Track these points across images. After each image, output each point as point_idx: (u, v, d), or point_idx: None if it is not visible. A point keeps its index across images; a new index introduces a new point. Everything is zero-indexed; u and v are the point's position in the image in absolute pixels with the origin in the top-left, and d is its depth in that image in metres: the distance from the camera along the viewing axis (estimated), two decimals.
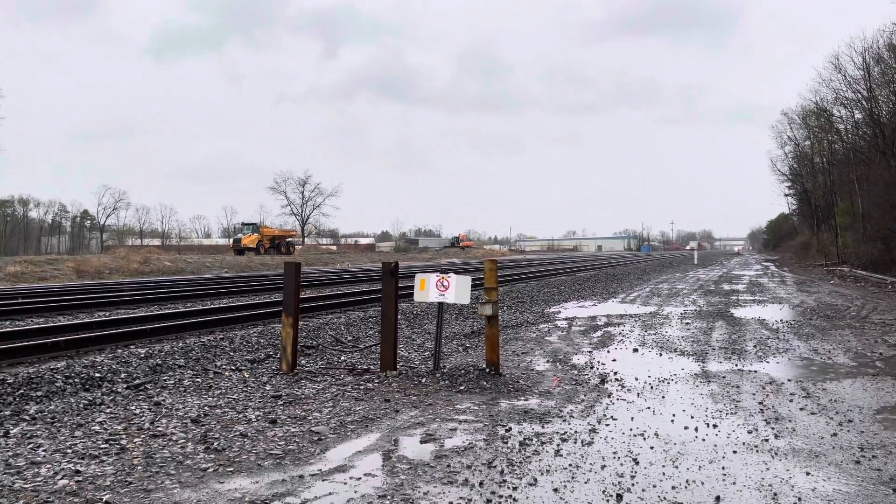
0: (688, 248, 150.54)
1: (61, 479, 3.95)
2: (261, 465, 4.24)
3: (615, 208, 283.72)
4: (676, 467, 4.21)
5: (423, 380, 6.79)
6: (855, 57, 33.76)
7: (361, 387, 6.52)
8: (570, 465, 4.24)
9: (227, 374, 7.24)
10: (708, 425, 5.19)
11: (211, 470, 4.14)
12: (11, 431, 4.98)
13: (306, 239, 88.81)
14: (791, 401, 6.00)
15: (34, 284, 22.91)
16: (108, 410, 5.64)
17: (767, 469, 4.17)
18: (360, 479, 3.99)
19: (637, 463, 4.28)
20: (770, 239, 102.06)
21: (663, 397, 6.18)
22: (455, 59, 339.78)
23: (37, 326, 10.13)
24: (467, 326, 11.34)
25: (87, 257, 38.11)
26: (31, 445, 4.62)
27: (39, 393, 6.20)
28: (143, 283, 23.15)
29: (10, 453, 4.44)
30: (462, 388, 6.48)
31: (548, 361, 8.05)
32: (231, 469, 4.17)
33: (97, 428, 5.06)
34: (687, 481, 3.95)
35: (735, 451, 4.53)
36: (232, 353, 8.45)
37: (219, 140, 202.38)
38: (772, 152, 78.56)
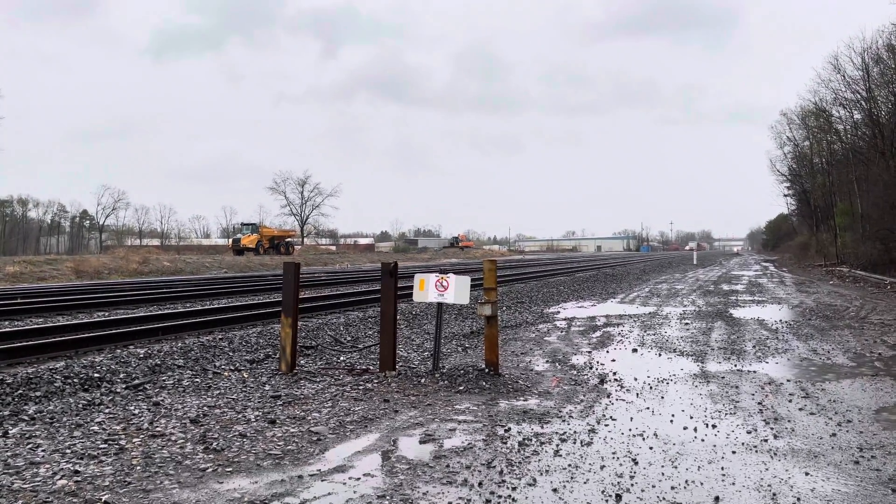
0: (687, 248, 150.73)
1: (60, 479, 3.95)
2: (260, 466, 4.24)
3: (614, 208, 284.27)
4: (675, 467, 4.21)
5: (423, 380, 6.79)
6: (854, 57, 33.84)
7: (360, 387, 6.52)
8: (570, 465, 4.24)
9: (226, 374, 7.23)
10: (707, 425, 5.19)
11: (210, 470, 4.14)
12: (10, 432, 4.97)
13: (305, 239, 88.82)
14: (790, 401, 6.00)
15: (33, 284, 22.89)
16: (106, 411, 5.63)
17: (766, 469, 4.17)
18: (359, 479, 3.99)
19: (636, 463, 4.28)
20: (769, 239, 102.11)
21: (662, 398, 6.18)
22: (454, 60, 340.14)
23: (36, 326, 10.12)
24: (466, 327, 11.34)
25: (86, 257, 38.07)
26: (29, 445, 4.62)
27: (38, 393, 6.19)
28: (142, 283, 23.13)
29: (8, 453, 4.43)
30: (461, 388, 6.48)
31: (547, 362, 8.05)
32: (230, 469, 4.16)
33: (96, 428, 5.06)
34: (686, 481, 3.95)
35: (734, 452, 4.53)
36: (231, 354, 8.45)
37: (218, 140, 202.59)
38: (771, 153, 78.73)
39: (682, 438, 4.86)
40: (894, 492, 3.79)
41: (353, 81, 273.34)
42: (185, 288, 19.73)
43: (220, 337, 9.48)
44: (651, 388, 6.60)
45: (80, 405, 5.79)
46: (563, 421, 5.31)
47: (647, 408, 5.78)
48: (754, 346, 9.17)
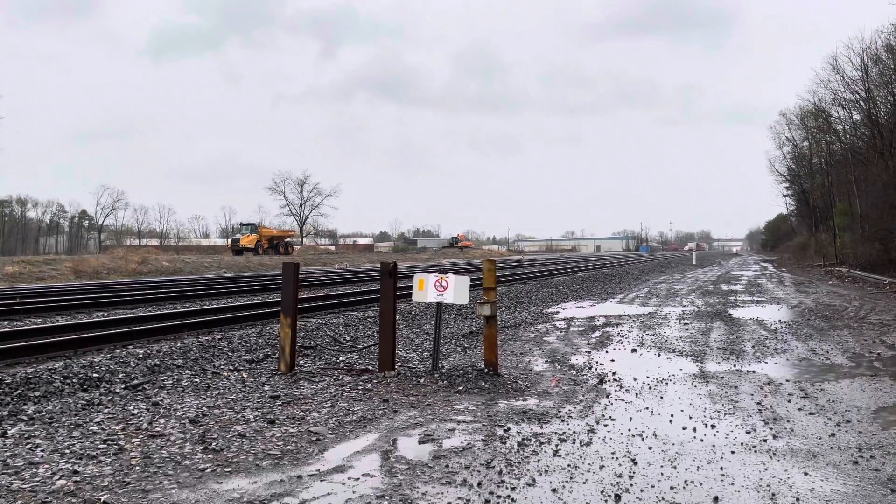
0: (686, 248, 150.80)
1: (59, 479, 3.94)
2: (259, 466, 4.24)
3: (614, 208, 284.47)
4: (675, 468, 4.21)
5: (422, 380, 6.78)
6: (853, 58, 33.89)
7: (360, 387, 6.52)
8: (569, 465, 4.24)
9: (225, 374, 7.23)
10: (706, 426, 5.19)
11: (209, 470, 4.14)
12: (9, 432, 4.97)
13: (305, 239, 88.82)
14: (789, 401, 6.00)
15: (32, 284, 22.87)
16: (106, 411, 5.63)
17: (766, 469, 4.17)
18: (358, 479, 3.99)
19: (635, 463, 4.28)
20: (768, 239, 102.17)
21: (661, 398, 6.18)
22: (454, 60, 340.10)
23: (35, 326, 10.11)
24: (466, 327, 11.34)
25: (85, 257, 38.05)
26: (28, 446, 4.62)
27: (37, 393, 6.19)
28: (142, 283, 23.12)
29: (7, 454, 4.43)
30: (460, 388, 6.48)
31: (546, 362, 8.06)
32: (229, 469, 4.16)
33: (95, 428, 5.06)
34: (685, 482, 3.95)
35: (733, 452, 4.53)
36: (230, 354, 8.44)
37: (217, 140, 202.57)
38: (770, 153, 78.61)
39: (682, 438, 4.86)
40: (893, 492, 3.79)
41: (352, 81, 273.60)
42: (184, 288, 19.72)
43: (219, 337, 9.47)
44: (650, 388, 6.60)
45: (79, 405, 5.79)
46: (563, 421, 5.31)
47: (647, 408, 5.78)
48: (753, 347, 9.17)
